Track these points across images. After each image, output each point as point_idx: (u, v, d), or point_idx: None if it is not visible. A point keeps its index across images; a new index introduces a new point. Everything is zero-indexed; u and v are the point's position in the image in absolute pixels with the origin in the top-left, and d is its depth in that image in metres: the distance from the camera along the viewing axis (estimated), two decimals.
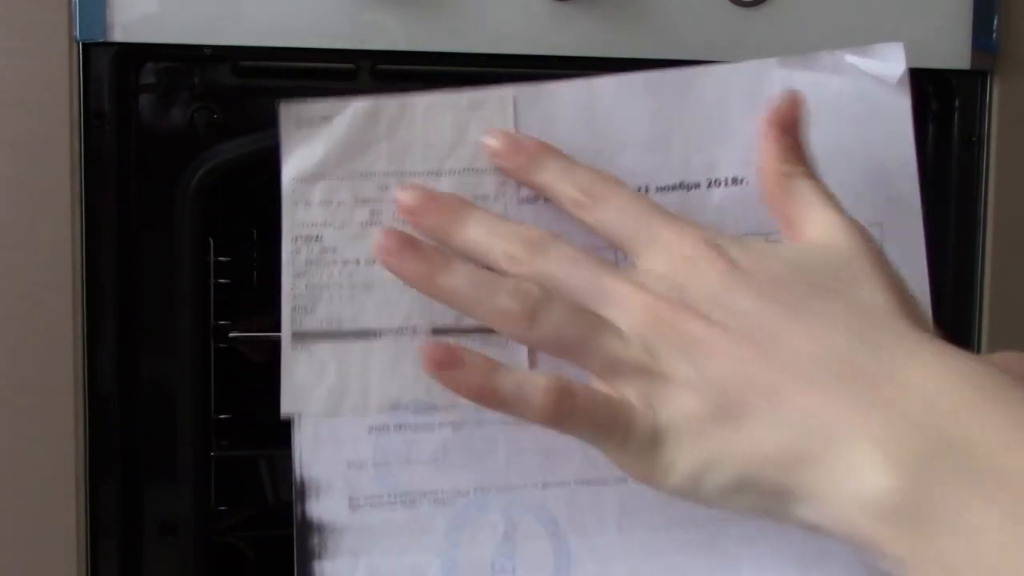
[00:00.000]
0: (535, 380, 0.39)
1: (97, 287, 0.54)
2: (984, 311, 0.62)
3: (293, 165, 0.44)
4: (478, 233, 0.42)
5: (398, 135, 0.44)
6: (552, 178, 0.43)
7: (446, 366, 0.39)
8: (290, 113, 0.44)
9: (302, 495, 0.44)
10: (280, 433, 0.46)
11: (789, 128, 0.43)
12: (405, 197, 0.43)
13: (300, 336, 0.44)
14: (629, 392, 0.39)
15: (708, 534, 0.46)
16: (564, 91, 0.45)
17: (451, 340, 0.43)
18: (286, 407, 0.44)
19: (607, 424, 0.39)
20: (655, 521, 0.46)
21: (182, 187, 0.54)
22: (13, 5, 0.52)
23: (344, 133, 0.44)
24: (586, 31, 0.56)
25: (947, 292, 0.61)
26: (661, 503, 0.41)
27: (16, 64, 0.52)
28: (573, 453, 0.44)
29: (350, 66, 0.55)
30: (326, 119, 0.44)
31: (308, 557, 0.44)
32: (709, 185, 0.46)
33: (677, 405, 0.38)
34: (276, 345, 0.44)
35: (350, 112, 0.44)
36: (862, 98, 0.47)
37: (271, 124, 0.44)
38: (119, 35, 0.53)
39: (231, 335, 0.57)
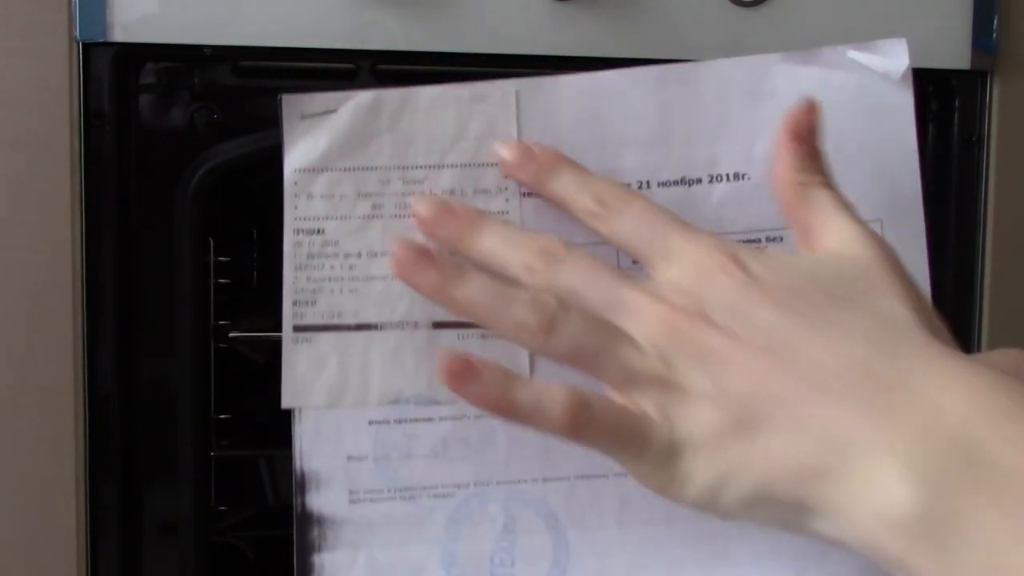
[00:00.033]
0: (552, 393, 0.38)
1: (97, 287, 0.54)
2: (984, 311, 0.61)
3: (295, 158, 0.44)
4: (494, 243, 0.42)
5: (400, 128, 0.44)
6: (566, 189, 0.43)
7: (462, 379, 0.38)
8: (292, 106, 0.44)
9: (302, 488, 0.44)
10: (280, 433, 0.46)
11: (806, 136, 0.43)
12: (420, 209, 0.42)
13: (301, 329, 0.44)
14: (646, 404, 0.39)
15: (707, 528, 0.46)
16: (566, 85, 0.46)
17: (451, 335, 0.43)
18: (287, 400, 0.44)
19: (624, 436, 0.38)
20: (654, 515, 0.45)
21: (182, 187, 0.54)
22: (13, 5, 0.52)
23: (346, 126, 0.44)
24: (586, 31, 0.56)
25: (947, 292, 0.61)
26: (660, 498, 0.41)
27: (16, 64, 0.52)
28: (573, 448, 0.44)
29: (350, 66, 0.55)
30: (328, 112, 0.44)
31: (308, 549, 0.44)
32: (711, 180, 0.46)
33: (694, 417, 0.38)
34: (276, 345, 0.44)
35: (352, 105, 0.44)
36: (865, 94, 0.47)
37: (272, 124, 0.44)
38: (119, 35, 0.53)
39: (231, 335, 0.57)
